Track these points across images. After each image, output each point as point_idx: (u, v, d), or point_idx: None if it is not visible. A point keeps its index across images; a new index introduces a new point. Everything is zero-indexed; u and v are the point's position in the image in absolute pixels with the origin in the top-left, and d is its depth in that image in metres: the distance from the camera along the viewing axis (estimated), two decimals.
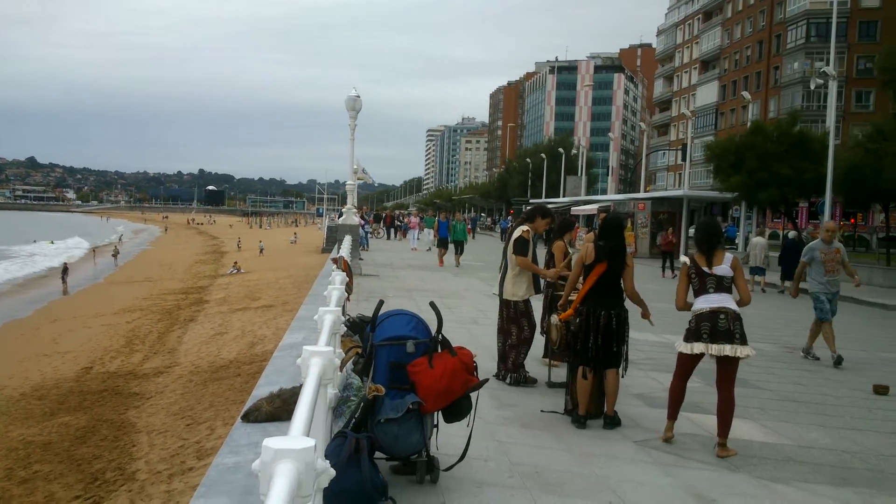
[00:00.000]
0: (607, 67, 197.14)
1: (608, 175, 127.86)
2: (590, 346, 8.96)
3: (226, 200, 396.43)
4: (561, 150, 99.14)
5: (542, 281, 11.61)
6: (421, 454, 6.68)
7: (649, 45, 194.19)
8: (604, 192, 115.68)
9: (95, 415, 15.79)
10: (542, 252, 12.62)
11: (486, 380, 7.19)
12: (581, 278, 9.34)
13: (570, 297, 9.51)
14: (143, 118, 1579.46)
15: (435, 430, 6.85)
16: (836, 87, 39.25)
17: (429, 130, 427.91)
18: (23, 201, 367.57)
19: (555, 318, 9.60)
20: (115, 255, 68.09)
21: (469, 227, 43.03)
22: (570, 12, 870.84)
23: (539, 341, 11.74)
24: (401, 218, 76.66)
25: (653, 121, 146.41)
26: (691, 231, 38.15)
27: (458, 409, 6.83)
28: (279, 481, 2.42)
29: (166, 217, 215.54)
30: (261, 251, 64.75)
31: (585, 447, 8.30)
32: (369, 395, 6.44)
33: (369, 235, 51.37)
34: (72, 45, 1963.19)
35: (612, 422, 9.05)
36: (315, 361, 4.61)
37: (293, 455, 2.54)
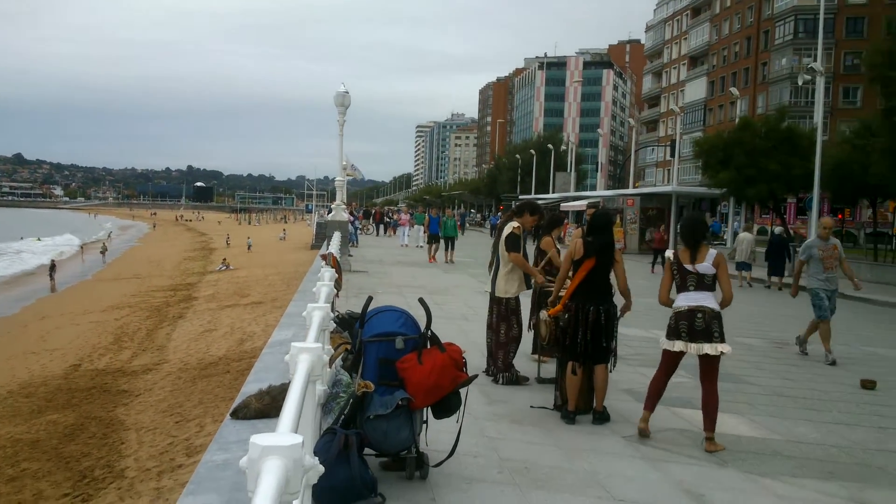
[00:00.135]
0: (596, 63, 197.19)
1: (597, 171, 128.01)
2: (578, 341, 8.96)
3: (214, 197, 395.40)
4: (550, 146, 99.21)
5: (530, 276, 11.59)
6: (410, 450, 6.68)
7: (638, 41, 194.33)
8: (593, 188, 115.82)
9: (84, 412, 15.75)
10: (530, 248, 12.60)
11: (476, 376, 7.19)
12: (570, 274, 9.35)
13: (559, 293, 9.52)
14: (130, 114, 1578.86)
15: (424, 426, 6.85)
16: (823, 83, 39.32)
17: (418, 126, 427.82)
18: (10, 198, 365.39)
19: (544, 314, 9.60)
20: (103, 252, 67.93)
21: (458, 223, 42.92)
22: (558, 7, 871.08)
23: (528, 338, 11.74)
24: (390, 214, 76.64)
25: (641, 117, 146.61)
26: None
27: (447, 406, 6.83)
28: (266, 478, 2.42)
29: (154, 214, 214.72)
30: (249, 248, 64.66)
31: (575, 443, 8.31)
32: (358, 391, 6.44)
33: (359, 232, 51.31)
34: (57, 38, 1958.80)
35: (601, 417, 9.06)
36: (303, 358, 4.60)
37: (281, 452, 2.54)
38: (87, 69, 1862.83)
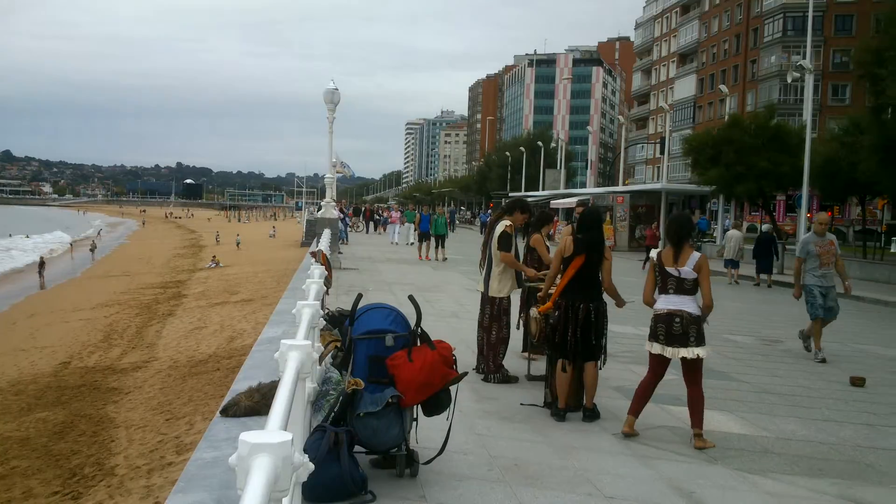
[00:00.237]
0: (586, 61, 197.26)
1: (587, 168, 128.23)
2: (568, 338, 8.97)
3: (204, 194, 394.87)
4: (540, 143, 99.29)
5: (522, 275, 11.57)
6: (400, 448, 6.68)
7: (627, 39, 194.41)
8: (583, 185, 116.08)
9: (73, 410, 15.71)
10: (519, 245, 12.59)
11: (466, 373, 7.19)
12: (560, 271, 9.35)
13: (549, 291, 9.52)
14: (119, 111, 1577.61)
15: (414, 423, 6.84)
16: (812, 80, 39.43)
17: (408, 123, 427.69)
18: None
19: (534, 311, 9.61)
20: (92, 250, 67.81)
21: (448, 220, 42.88)
22: (548, 4, 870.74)
23: (517, 336, 11.73)
24: (380, 212, 76.60)
25: (631, 114, 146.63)
26: None
27: (437, 403, 6.83)
28: (256, 475, 2.42)
29: (144, 211, 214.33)
30: (237, 245, 64.56)
31: (565, 440, 8.31)
32: (348, 388, 6.43)
33: (348, 229, 51.26)
34: (43, 35, 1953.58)
35: (591, 414, 9.07)
36: (293, 355, 4.60)
37: (270, 449, 2.54)
38: (75, 66, 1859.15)
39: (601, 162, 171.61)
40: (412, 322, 6.94)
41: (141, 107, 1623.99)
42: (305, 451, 4.96)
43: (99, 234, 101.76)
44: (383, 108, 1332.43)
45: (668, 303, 8.51)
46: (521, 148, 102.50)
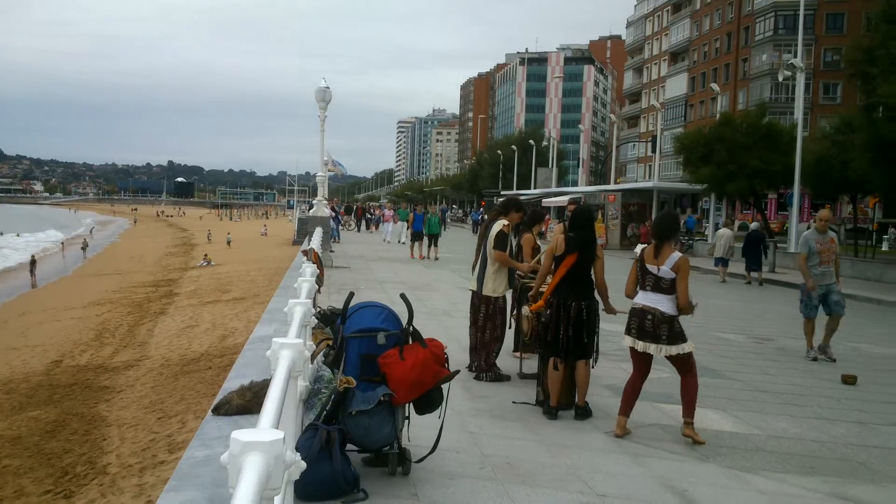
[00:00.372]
0: (577, 59, 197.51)
1: (579, 167, 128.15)
2: (560, 337, 8.97)
3: (195, 192, 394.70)
4: (532, 141, 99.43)
5: (514, 274, 11.54)
6: (392, 446, 6.67)
7: (619, 37, 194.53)
8: (574, 183, 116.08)
9: (65, 408, 15.69)
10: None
11: (457, 371, 7.19)
12: (551, 269, 9.35)
13: (540, 289, 9.53)
14: (111, 109, 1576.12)
15: (406, 421, 6.84)
16: (803, 79, 39.57)
17: (399, 122, 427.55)
18: None
19: (525, 310, 9.62)
20: (83, 248, 67.73)
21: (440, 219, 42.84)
22: (539, 3, 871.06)
23: (509, 335, 11.73)
24: (372, 210, 76.58)
25: (623, 112, 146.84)
26: None
27: (429, 401, 6.83)
28: (247, 474, 2.41)
29: (135, 209, 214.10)
30: (228, 243, 64.50)
31: (557, 438, 8.32)
32: (340, 387, 6.43)
33: (340, 228, 51.23)
34: (35, 33, 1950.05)
35: (583, 413, 9.08)
36: (285, 354, 4.60)
37: (261, 447, 2.54)
38: (67, 64, 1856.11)
39: (593, 160, 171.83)
40: (404, 320, 6.94)
41: (132, 105, 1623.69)
42: (297, 449, 4.96)
43: (91, 232, 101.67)
44: (375, 107, 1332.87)
45: (643, 299, 8.54)
46: (513, 146, 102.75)
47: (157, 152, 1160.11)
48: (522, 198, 39.13)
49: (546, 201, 65.58)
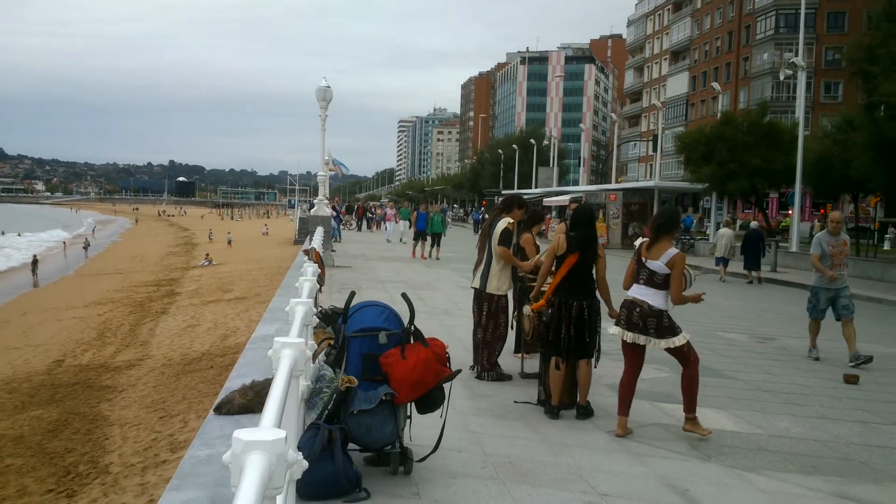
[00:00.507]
0: (578, 58, 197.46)
1: (580, 166, 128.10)
2: (562, 336, 8.97)
3: (196, 192, 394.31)
4: (532, 141, 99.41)
5: (517, 271, 11.50)
6: (394, 445, 6.66)
7: (619, 36, 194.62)
8: (575, 182, 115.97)
9: (67, 408, 15.70)
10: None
11: (459, 371, 7.19)
12: (553, 269, 9.34)
13: (542, 288, 9.52)
14: (112, 108, 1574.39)
15: (408, 421, 6.83)
16: (804, 77, 39.54)
17: (400, 121, 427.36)
18: None
19: (527, 309, 9.61)
20: (85, 248, 67.78)
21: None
22: (540, 2, 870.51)
23: (510, 335, 11.70)
24: (373, 210, 76.58)
25: (624, 112, 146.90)
26: None
27: (431, 401, 6.83)
28: (250, 473, 2.41)
29: (137, 209, 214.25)
30: (229, 242, 64.52)
31: (558, 437, 8.32)
32: (342, 386, 6.43)
33: (341, 227, 51.21)
34: (36, 33, 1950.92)
35: (585, 412, 9.07)
36: (286, 353, 4.59)
37: (264, 446, 2.53)
38: (68, 63, 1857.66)
39: (594, 159, 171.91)
40: (405, 320, 6.94)
41: (133, 104, 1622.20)
42: (299, 448, 4.96)
43: (93, 231, 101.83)
44: (376, 106, 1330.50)
45: (635, 291, 8.56)
46: (514, 145, 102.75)
47: (159, 152, 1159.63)
48: (524, 197, 39.08)
49: (547, 200, 65.61)
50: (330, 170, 41.35)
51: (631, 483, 7.04)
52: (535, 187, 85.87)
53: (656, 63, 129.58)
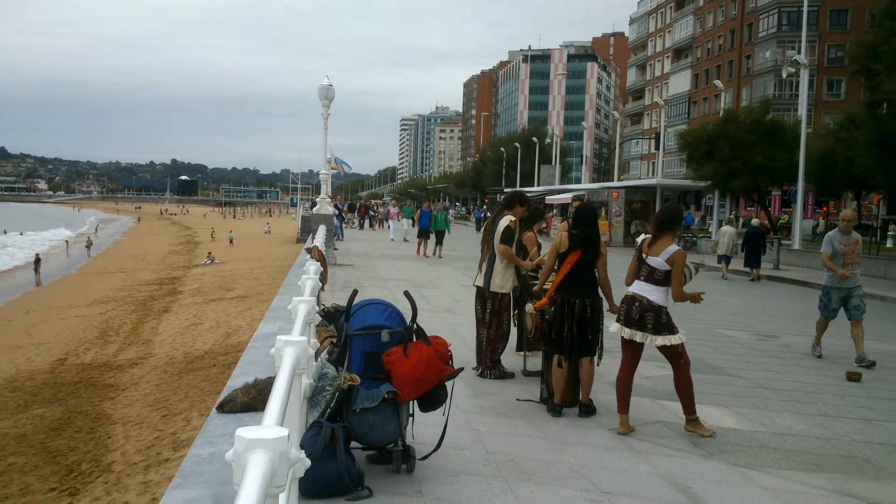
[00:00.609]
0: (580, 56, 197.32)
1: (582, 164, 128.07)
2: (564, 334, 8.97)
3: (199, 190, 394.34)
4: (535, 139, 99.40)
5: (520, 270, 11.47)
6: (397, 443, 6.66)
7: (622, 34, 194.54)
8: (578, 181, 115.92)
9: (70, 406, 15.72)
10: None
11: (461, 369, 7.18)
12: (555, 267, 9.34)
13: (544, 286, 9.52)
14: (114, 108, 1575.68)
15: (410, 419, 6.84)
16: (807, 75, 39.49)
17: (402, 119, 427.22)
18: None
19: (529, 307, 9.60)
20: (88, 246, 67.80)
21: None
22: (541, 1, 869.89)
23: (513, 334, 11.68)
24: (375, 208, 76.53)
25: (626, 110, 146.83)
26: None
27: (433, 399, 6.83)
28: (252, 471, 2.41)
29: (139, 207, 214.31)
30: (230, 241, 64.51)
31: (561, 435, 8.31)
32: (344, 384, 6.43)
33: (344, 225, 51.16)
34: (38, 32, 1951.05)
35: (588, 410, 9.07)
36: (289, 351, 4.60)
37: (266, 445, 2.54)
38: (69, 62, 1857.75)
39: (596, 157, 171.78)
40: (408, 318, 6.94)
41: (135, 104, 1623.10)
42: (302, 446, 4.96)
43: (96, 230, 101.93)
44: (377, 105, 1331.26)
45: (635, 287, 8.58)
46: (516, 144, 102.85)
47: (161, 151, 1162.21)
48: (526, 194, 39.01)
49: (549, 198, 65.57)
50: (332, 168, 41.35)
51: (633, 481, 7.04)
52: (538, 185, 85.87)
53: (658, 61, 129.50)
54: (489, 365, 10.82)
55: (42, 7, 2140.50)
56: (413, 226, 40.99)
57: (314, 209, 36.83)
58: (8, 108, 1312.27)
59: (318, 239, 22.50)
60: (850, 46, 43.21)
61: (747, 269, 29.78)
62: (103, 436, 13.53)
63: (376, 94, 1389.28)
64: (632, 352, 8.74)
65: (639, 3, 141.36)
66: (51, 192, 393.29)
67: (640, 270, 8.56)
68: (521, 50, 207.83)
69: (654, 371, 10.93)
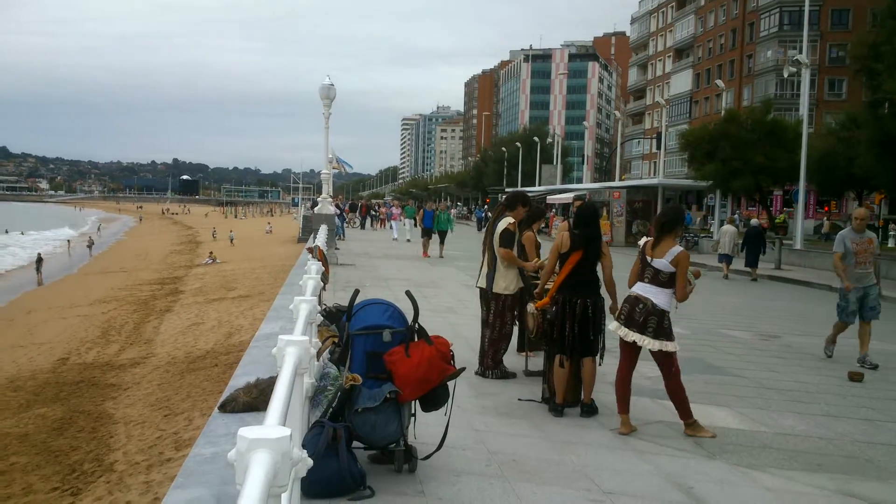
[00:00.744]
0: (581, 56, 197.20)
1: (583, 164, 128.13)
2: (566, 334, 8.96)
3: (200, 190, 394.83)
4: (536, 138, 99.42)
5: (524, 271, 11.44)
6: (398, 443, 6.65)
7: (623, 34, 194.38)
8: (579, 180, 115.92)
9: (72, 406, 15.74)
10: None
11: (463, 368, 7.17)
12: (557, 267, 9.33)
13: (546, 286, 9.51)
14: (115, 107, 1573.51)
15: (412, 419, 6.83)
16: (808, 75, 39.43)
17: (403, 119, 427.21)
18: None
19: (531, 307, 9.59)
20: (89, 246, 67.83)
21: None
22: (542, 1, 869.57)
23: (515, 334, 11.66)
24: (376, 207, 76.52)
25: (627, 109, 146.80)
26: None
27: (435, 399, 6.82)
28: (255, 471, 2.41)
29: (141, 207, 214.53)
30: (231, 241, 64.52)
31: (563, 435, 8.31)
32: (346, 384, 6.43)
33: (345, 225, 51.12)
34: (37, 32, 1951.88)
35: (589, 410, 9.06)
36: (291, 351, 4.60)
37: (269, 444, 2.53)
38: (71, 62, 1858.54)
39: (598, 157, 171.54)
40: (409, 317, 6.93)
41: (137, 103, 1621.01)
42: (304, 446, 4.96)
43: (99, 229, 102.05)
44: (378, 105, 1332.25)
45: (638, 288, 8.56)
46: (518, 143, 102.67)
47: (162, 150, 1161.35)
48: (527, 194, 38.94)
49: (551, 198, 65.56)
50: (333, 168, 41.35)
51: (635, 481, 7.03)
52: (539, 185, 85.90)
53: (660, 60, 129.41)
54: (491, 365, 10.81)
55: (45, 6, 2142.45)
56: (416, 226, 40.94)
57: (315, 209, 36.80)
58: (9, 108, 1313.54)
59: (320, 238, 22.51)
60: (851, 46, 43.14)
61: (748, 269, 29.77)
62: (105, 435, 13.54)
63: (377, 93, 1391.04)
64: (630, 352, 8.74)
65: (640, 2, 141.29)
66: (52, 192, 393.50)
67: (644, 272, 8.55)
68: (523, 49, 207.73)
69: (655, 371, 10.89)
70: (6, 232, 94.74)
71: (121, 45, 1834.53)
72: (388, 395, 6.41)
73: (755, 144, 44.13)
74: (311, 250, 16.73)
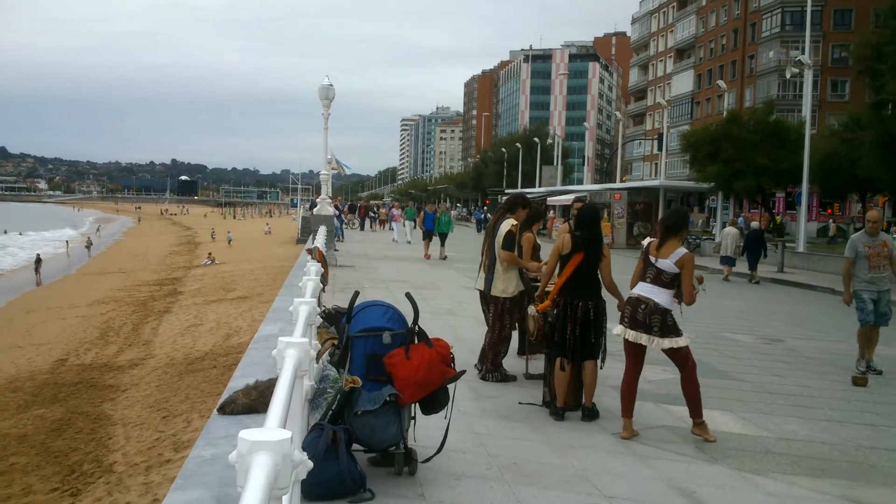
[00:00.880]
0: (582, 56, 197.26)
1: (584, 165, 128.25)
2: (567, 337, 8.92)
3: (199, 191, 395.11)
4: (536, 139, 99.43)
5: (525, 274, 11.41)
6: (398, 446, 6.64)
7: (624, 34, 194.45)
8: (580, 182, 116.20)
9: (71, 407, 15.73)
10: None
11: (464, 371, 7.14)
12: (558, 269, 9.30)
13: (546, 288, 9.47)
14: (114, 107, 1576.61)
15: (412, 421, 6.82)
16: (811, 76, 39.44)
17: (403, 120, 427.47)
18: None
19: (532, 310, 9.56)
20: (88, 246, 67.87)
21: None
22: (542, 0, 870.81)
23: (515, 337, 11.63)
24: (376, 209, 76.57)
25: (628, 110, 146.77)
26: None
27: (435, 401, 6.79)
28: (256, 473, 2.39)
29: (139, 208, 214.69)
30: (229, 242, 64.56)
31: (563, 439, 8.27)
32: (346, 386, 6.39)
33: (344, 226, 51.11)
34: (38, 31, 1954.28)
35: (591, 413, 9.02)
36: (290, 353, 4.57)
37: (269, 447, 2.51)
38: (70, 62, 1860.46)
39: (598, 158, 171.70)
40: (409, 320, 6.90)
41: (135, 103, 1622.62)
42: (304, 449, 4.92)
43: (98, 230, 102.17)
44: (378, 105, 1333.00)
45: (641, 289, 8.53)
46: (518, 144, 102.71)
47: (161, 150, 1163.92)
48: (528, 197, 38.91)
49: (551, 200, 65.54)
50: (332, 168, 41.32)
51: (637, 485, 7.00)
52: (539, 186, 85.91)
53: (661, 61, 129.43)
54: (491, 367, 10.78)
55: (44, 5, 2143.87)
56: (416, 227, 40.93)
57: (314, 210, 36.75)
58: (8, 108, 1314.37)
59: (319, 240, 22.48)
60: (854, 47, 43.19)
61: (756, 273, 29.76)
62: (104, 436, 13.54)
63: (377, 94, 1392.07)
64: (636, 355, 8.70)
65: (641, 2, 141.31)
66: (51, 192, 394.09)
67: (647, 273, 8.53)
68: (523, 50, 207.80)
69: (658, 375, 10.90)
70: (5, 232, 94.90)
71: (123, 45, 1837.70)
72: (387, 398, 6.38)
73: (757, 146, 44.12)
74: (310, 251, 16.71)
